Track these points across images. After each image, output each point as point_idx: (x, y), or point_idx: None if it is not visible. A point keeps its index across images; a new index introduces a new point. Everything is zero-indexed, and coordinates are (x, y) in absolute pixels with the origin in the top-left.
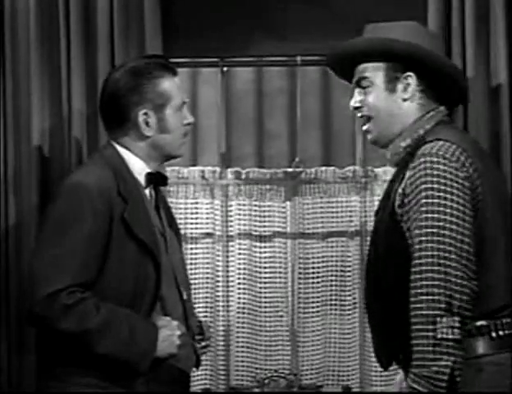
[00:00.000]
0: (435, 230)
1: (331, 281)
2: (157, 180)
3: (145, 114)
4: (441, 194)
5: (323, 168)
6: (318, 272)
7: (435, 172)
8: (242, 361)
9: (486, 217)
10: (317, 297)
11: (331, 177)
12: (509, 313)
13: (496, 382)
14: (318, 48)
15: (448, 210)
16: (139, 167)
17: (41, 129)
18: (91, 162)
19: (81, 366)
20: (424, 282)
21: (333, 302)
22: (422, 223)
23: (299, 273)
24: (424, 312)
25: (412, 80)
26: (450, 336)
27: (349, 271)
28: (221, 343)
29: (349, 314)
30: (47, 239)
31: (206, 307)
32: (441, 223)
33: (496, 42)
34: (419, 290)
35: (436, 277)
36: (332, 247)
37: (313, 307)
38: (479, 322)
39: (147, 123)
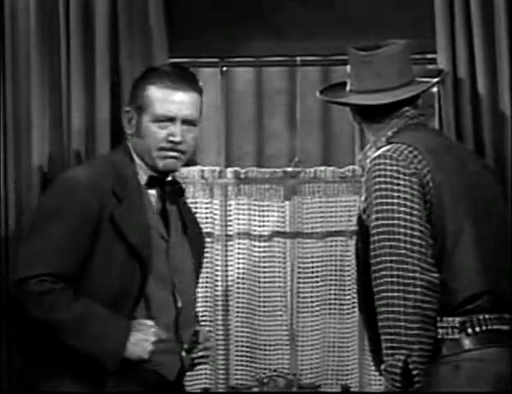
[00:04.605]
0: (385, 229)
1: (330, 280)
2: (159, 183)
3: (128, 112)
4: (389, 192)
5: (322, 168)
6: (317, 272)
7: (382, 173)
8: (241, 361)
9: (444, 208)
10: (316, 297)
11: (330, 177)
12: (486, 308)
13: (473, 380)
14: (318, 48)
15: (395, 207)
16: (142, 168)
17: (41, 147)
18: (101, 156)
19: (51, 364)
20: (378, 281)
21: (332, 301)
22: (373, 223)
23: (298, 273)
24: (383, 306)
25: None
26: (403, 331)
27: (348, 270)
28: (221, 342)
29: (348, 314)
30: (31, 228)
31: (205, 306)
32: (389, 221)
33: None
34: (376, 289)
35: (389, 272)
36: (331, 246)
37: (312, 306)
38: (456, 319)
39: (129, 120)
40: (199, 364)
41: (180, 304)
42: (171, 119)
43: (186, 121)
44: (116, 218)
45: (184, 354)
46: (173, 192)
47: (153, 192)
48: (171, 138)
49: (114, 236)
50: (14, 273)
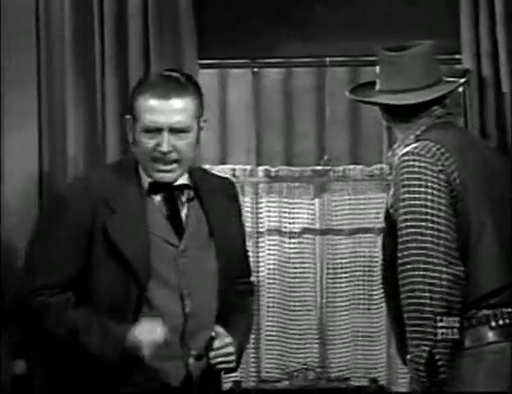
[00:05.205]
0: (412, 223)
1: (359, 276)
2: (165, 189)
3: (128, 120)
4: (416, 188)
5: (351, 166)
6: (346, 268)
7: (410, 169)
8: (272, 354)
9: (469, 204)
10: (345, 292)
11: (358, 175)
12: (508, 302)
13: (496, 372)
14: (346, 48)
15: (423, 202)
16: (144, 175)
17: (76, 140)
18: (105, 165)
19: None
20: (405, 274)
21: (361, 296)
22: (401, 217)
23: (328, 268)
24: (409, 298)
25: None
26: (428, 323)
27: (376, 266)
28: (252, 336)
29: (376, 309)
30: (28, 243)
31: None
32: (417, 216)
33: None
34: (403, 281)
35: (415, 265)
36: (360, 243)
37: (340, 301)
38: (479, 312)
39: (130, 129)
40: (227, 370)
41: (188, 310)
42: (159, 129)
43: (175, 130)
44: (108, 229)
45: (191, 360)
46: (185, 196)
47: (157, 198)
48: (159, 148)
49: (107, 247)
50: (19, 289)
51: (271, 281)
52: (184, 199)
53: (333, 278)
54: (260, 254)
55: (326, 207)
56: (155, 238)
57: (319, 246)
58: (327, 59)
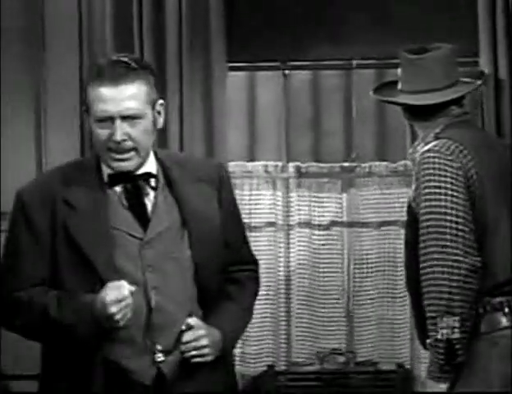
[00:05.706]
0: (432, 216)
1: (384, 266)
2: (125, 179)
3: (84, 110)
4: (437, 183)
5: (377, 163)
6: (372, 258)
7: (431, 166)
8: (302, 339)
9: (485, 199)
10: (371, 281)
11: (383, 171)
12: None
13: (509, 356)
14: (373, 51)
15: (443, 197)
16: (104, 167)
17: None
18: (68, 162)
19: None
20: (426, 263)
21: (386, 285)
22: (422, 211)
23: (355, 259)
24: (429, 286)
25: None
26: (447, 310)
27: (399, 257)
28: (283, 323)
29: (401, 297)
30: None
31: (268, 291)
32: (437, 209)
33: None
34: (423, 271)
35: (435, 256)
36: (385, 235)
37: (367, 290)
38: (494, 299)
39: (86, 119)
40: (214, 364)
41: (153, 305)
42: (110, 118)
43: (126, 117)
44: (68, 227)
45: (158, 357)
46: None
47: (118, 189)
48: (113, 138)
49: (69, 245)
50: None
51: (300, 270)
52: (147, 188)
53: (359, 268)
54: (291, 246)
55: (353, 201)
56: (116, 232)
57: (346, 238)
58: (354, 62)
